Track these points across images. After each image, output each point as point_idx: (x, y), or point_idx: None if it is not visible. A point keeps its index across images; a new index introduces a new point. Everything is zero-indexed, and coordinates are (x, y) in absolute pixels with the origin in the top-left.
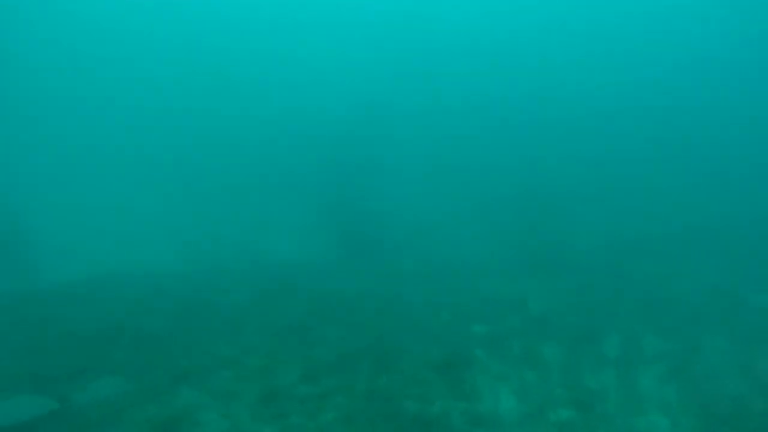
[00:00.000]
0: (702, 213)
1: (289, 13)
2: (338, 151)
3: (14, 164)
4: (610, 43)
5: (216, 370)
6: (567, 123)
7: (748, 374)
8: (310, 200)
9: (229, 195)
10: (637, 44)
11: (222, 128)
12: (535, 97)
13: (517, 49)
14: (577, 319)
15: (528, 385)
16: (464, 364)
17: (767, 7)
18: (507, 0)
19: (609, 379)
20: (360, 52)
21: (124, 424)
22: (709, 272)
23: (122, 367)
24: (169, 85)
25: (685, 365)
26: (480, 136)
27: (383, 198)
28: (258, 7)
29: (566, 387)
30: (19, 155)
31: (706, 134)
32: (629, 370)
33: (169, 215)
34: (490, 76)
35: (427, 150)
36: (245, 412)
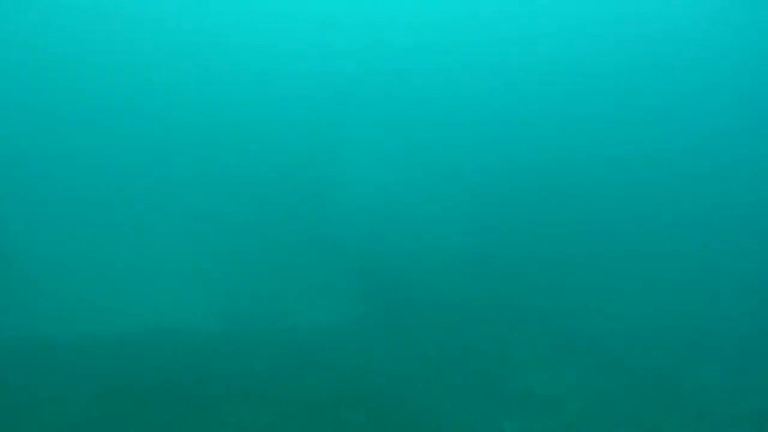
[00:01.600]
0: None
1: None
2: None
3: (32, 211)
4: (599, 44)
5: None
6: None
7: None
8: (329, 255)
9: (247, 247)
10: (629, 46)
11: (241, 178)
12: (528, 98)
13: (504, 48)
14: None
15: None
16: None
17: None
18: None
19: None
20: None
21: None
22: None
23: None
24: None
25: None
26: (503, 188)
27: (404, 254)
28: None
29: None
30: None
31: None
32: None
33: (186, 268)
34: (480, 74)
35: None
36: None
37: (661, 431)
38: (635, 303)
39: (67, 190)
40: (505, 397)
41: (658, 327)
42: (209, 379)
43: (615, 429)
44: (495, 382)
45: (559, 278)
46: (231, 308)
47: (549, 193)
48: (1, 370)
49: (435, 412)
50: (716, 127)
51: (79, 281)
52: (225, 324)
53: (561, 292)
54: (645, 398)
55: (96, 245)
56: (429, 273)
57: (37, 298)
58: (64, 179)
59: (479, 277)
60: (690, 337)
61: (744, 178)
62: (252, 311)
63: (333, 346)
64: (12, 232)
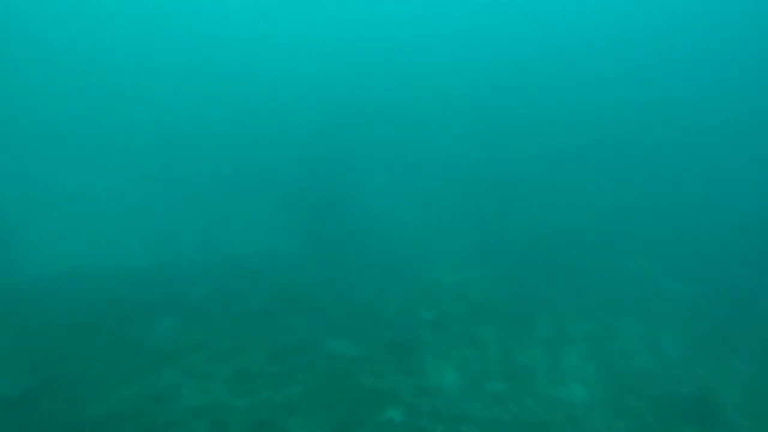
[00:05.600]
0: (625, 208)
1: (265, 7)
2: (305, 144)
3: None
4: (589, 41)
5: (191, 353)
6: (545, 120)
7: (654, 351)
8: (275, 192)
9: (195, 187)
10: (617, 41)
11: (189, 121)
12: (505, 93)
13: (490, 46)
14: (512, 306)
15: (467, 362)
16: (412, 345)
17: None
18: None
19: (537, 357)
20: (332, 46)
21: (114, 399)
22: (629, 262)
23: (105, 351)
24: (138, 78)
25: (604, 344)
26: (445, 131)
27: (345, 189)
28: (234, 2)
29: (500, 363)
30: None
31: (641, 135)
32: (555, 348)
33: (136, 209)
34: (463, 71)
35: (391, 143)
36: (220, 388)
37: (549, 303)
38: (523, 210)
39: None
40: (422, 292)
41: (545, 226)
42: (148, 306)
43: (509, 308)
44: (414, 281)
45: (468, 192)
46: (176, 244)
47: (486, 120)
48: None
49: (365, 309)
50: None
51: (17, 226)
52: (164, 257)
53: (476, 203)
54: (535, 281)
55: (35, 189)
56: (353, 202)
57: None
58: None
59: (407, 194)
60: (572, 233)
61: None
62: (197, 245)
63: (272, 269)
64: None
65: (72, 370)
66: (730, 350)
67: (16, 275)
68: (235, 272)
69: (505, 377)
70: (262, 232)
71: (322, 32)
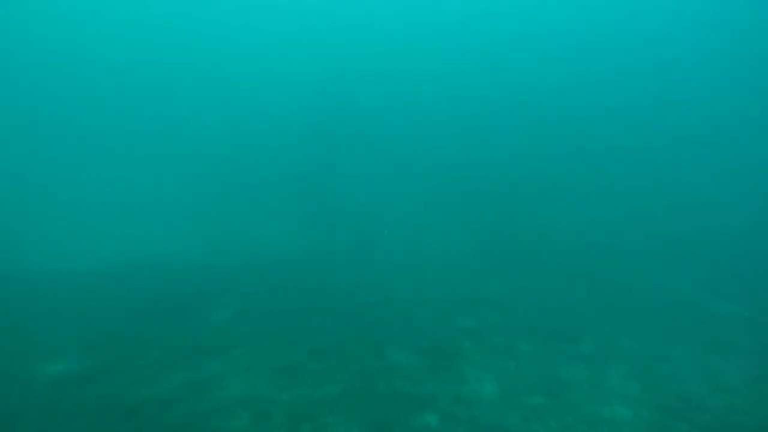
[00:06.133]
0: (673, 222)
1: (267, 8)
2: (328, 152)
3: (35, 158)
4: (593, 40)
5: (235, 347)
6: (551, 121)
7: (706, 377)
8: (305, 198)
9: (230, 194)
10: (621, 41)
11: (219, 131)
12: (520, 95)
13: (497, 47)
14: (554, 320)
15: (507, 374)
16: (450, 353)
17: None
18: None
19: (580, 373)
20: (334, 48)
21: (165, 384)
22: (678, 281)
23: (158, 338)
24: (167, 86)
25: (651, 366)
26: (464, 133)
27: (374, 194)
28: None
29: (541, 377)
30: (42, 152)
31: (689, 142)
32: (599, 366)
33: (185, 212)
34: (473, 74)
35: (413, 148)
36: (262, 381)
37: (584, 316)
38: (570, 219)
39: (62, 135)
40: (457, 301)
41: (589, 238)
42: (196, 300)
43: (551, 321)
44: (448, 289)
45: (505, 196)
46: (217, 242)
47: (503, 121)
48: (25, 296)
49: (398, 315)
50: None
51: (78, 224)
52: (211, 255)
53: (505, 207)
54: (576, 294)
55: (80, 193)
56: (385, 210)
57: (46, 238)
58: (56, 121)
59: (436, 197)
60: (614, 247)
61: None
62: (236, 245)
63: (307, 269)
64: (10, 176)
65: (128, 353)
66: None
67: (81, 265)
68: (272, 274)
69: (546, 391)
70: (293, 236)
71: (326, 34)
